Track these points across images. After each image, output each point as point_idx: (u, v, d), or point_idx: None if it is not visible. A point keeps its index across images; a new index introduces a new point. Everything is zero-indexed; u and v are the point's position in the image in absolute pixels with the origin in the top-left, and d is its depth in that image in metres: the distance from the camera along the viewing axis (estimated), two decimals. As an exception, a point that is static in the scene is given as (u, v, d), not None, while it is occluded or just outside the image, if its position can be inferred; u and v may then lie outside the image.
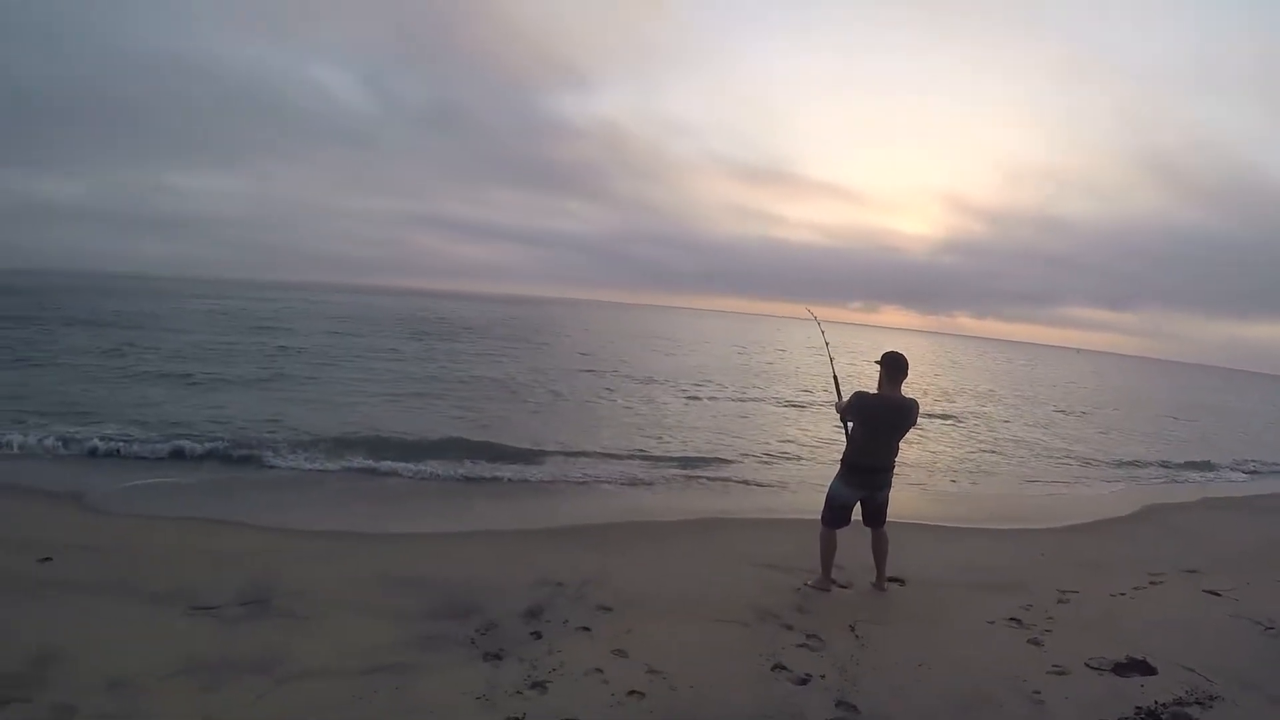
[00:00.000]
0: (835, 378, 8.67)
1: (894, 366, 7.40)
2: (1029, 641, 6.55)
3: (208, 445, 15.20)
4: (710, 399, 28.23)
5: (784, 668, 5.58)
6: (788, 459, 17.91)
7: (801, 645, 6.05)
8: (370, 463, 14.85)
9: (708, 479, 15.32)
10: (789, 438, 20.92)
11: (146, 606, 6.48)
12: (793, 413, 26.33)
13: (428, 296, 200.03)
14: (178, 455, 14.72)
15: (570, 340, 59.38)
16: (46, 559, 7.74)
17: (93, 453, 14.62)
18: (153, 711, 4.70)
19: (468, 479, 14.26)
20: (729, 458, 17.37)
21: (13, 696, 4.61)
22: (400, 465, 14.77)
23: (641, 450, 17.39)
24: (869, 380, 8.43)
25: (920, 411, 7.70)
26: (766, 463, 17.34)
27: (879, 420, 7.40)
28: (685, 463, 16.53)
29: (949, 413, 30.14)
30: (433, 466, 14.81)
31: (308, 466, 14.55)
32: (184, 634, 5.93)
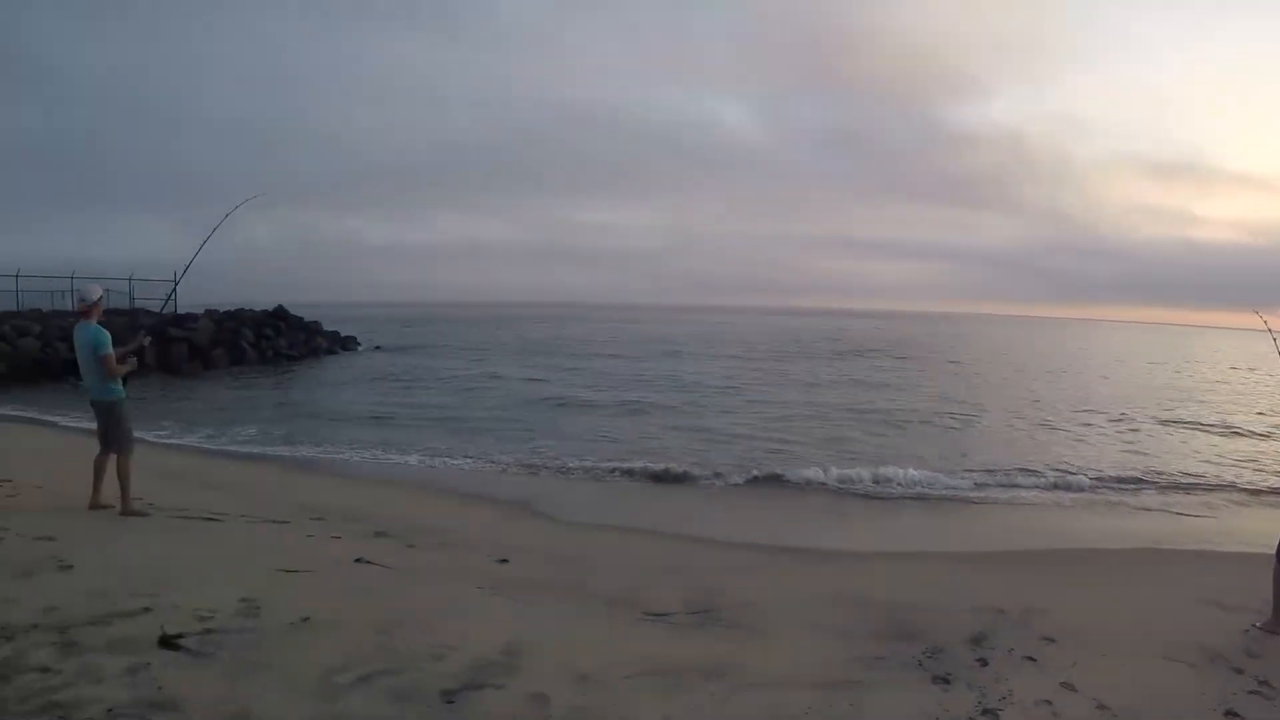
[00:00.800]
0: None
1: None
2: None
3: (638, 463, 16.48)
4: (1129, 418, 26.61)
5: (1236, 714, 5.32)
6: (1214, 487, 16.50)
7: (1253, 692, 5.71)
8: (793, 478, 15.53)
9: (1133, 505, 14.66)
10: (1213, 462, 19.31)
11: (602, 609, 6.82)
12: (1217, 438, 23.79)
13: (834, 316, 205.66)
14: (611, 471, 16.03)
15: (984, 357, 58.35)
16: (504, 560, 8.42)
17: (535, 467, 16.40)
18: (619, 707, 4.75)
19: (891, 497, 14.55)
20: (1153, 482, 16.55)
21: (488, 682, 4.86)
22: (822, 481, 15.35)
23: (1062, 471, 16.85)
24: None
25: None
26: (1193, 490, 16.19)
27: None
28: (1108, 487, 15.94)
29: None
30: (859, 485, 15.21)
31: (735, 482, 15.33)
32: (640, 637, 6.09)
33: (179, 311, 42.49)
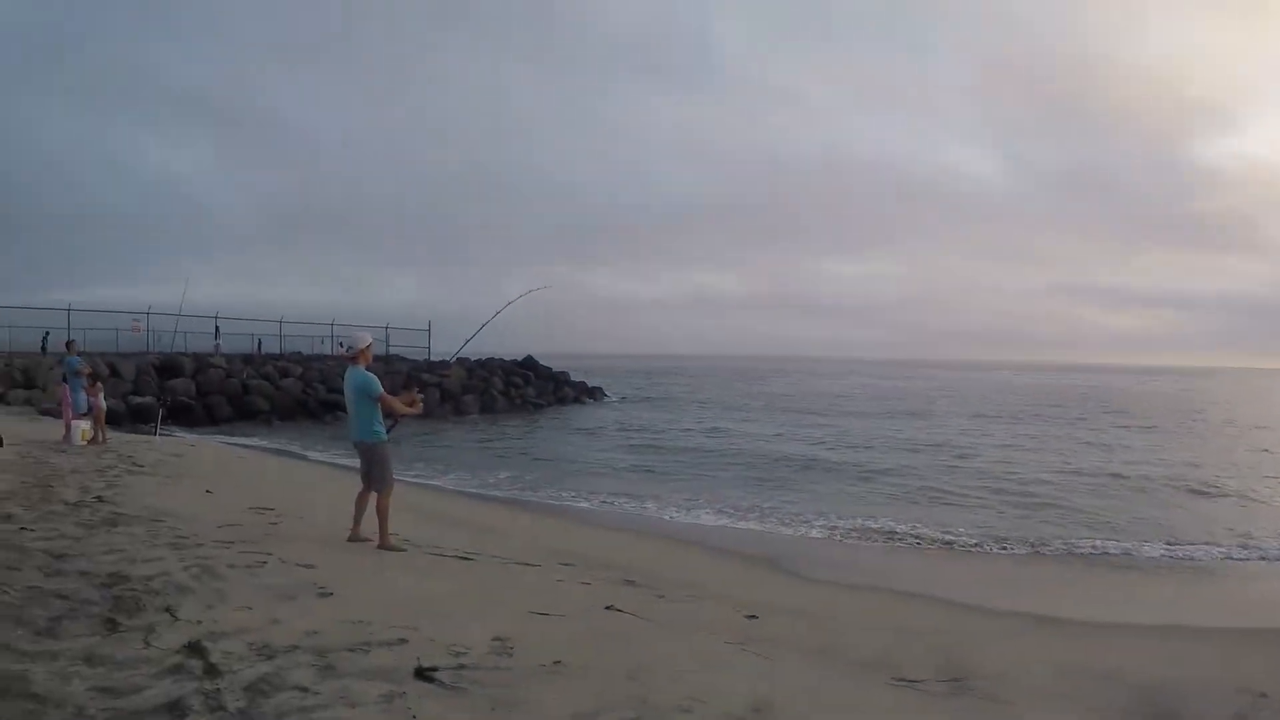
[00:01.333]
0: None
1: None
2: None
3: (884, 523, 16.33)
4: None
5: None
6: None
7: None
8: (1044, 544, 14.96)
9: None
10: None
11: (851, 671, 6.62)
12: None
13: (1079, 371, 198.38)
14: (858, 530, 15.82)
15: (1244, 416, 54.16)
16: (752, 616, 8.26)
17: (781, 522, 16.40)
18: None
19: (1146, 567, 13.77)
20: None
21: (741, 739, 4.73)
22: (1074, 548, 14.75)
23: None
24: None
25: None
26: None
27: None
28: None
29: None
30: (1112, 553, 14.54)
31: (986, 546, 14.80)
32: (889, 704, 5.90)
33: (432, 359, 45.13)
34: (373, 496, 9.34)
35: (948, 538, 15.23)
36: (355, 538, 9.39)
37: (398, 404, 9.31)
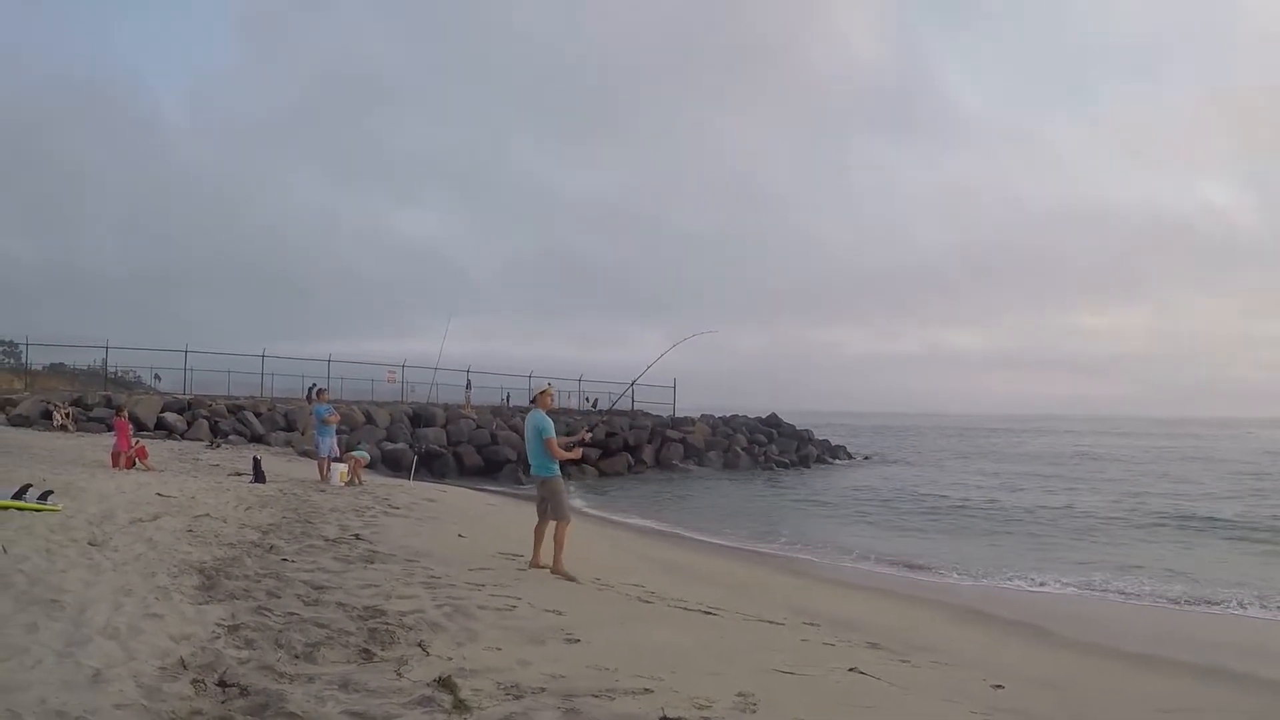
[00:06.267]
0: None
1: None
2: None
3: (1171, 587, 15.40)
4: None
5: None
6: None
7: None
8: None
9: None
10: None
11: None
12: None
13: None
14: (1140, 594, 14.99)
15: None
16: (999, 686, 7.85)
17: (1040, 584, 15.84)
18: None
19: None
20: None
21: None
22: None
23: None
24: None
25: None
26: None
27: None
28: None
29: None
30: None
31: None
32: None
33: (677, 415, 45.86)
34: (552, 526, 10.27)
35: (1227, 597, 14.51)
36: (535, 564, 10.34)
37: (559, 448, 10.33)
